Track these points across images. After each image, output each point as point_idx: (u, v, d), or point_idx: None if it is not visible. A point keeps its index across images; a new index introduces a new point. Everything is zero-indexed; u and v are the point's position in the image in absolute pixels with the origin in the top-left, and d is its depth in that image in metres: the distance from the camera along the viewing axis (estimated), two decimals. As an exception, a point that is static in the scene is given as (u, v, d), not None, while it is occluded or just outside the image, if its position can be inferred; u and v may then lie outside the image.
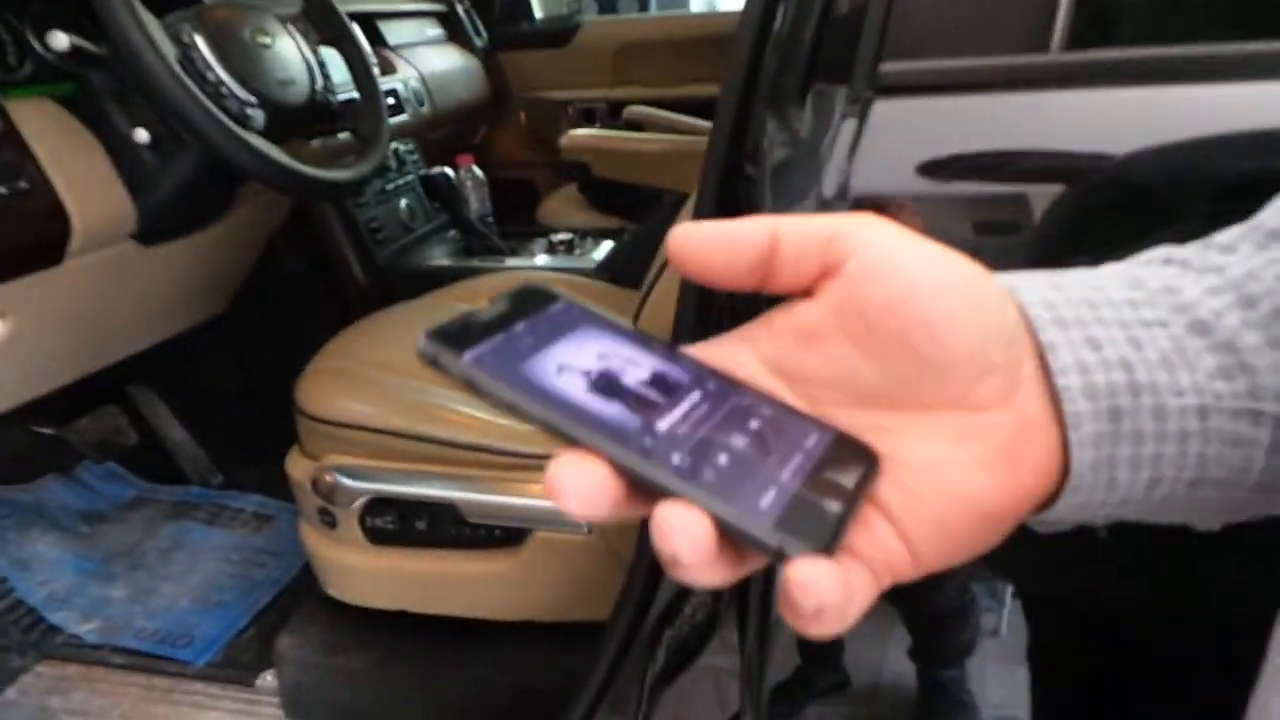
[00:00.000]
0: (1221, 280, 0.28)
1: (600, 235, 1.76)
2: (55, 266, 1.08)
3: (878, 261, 0.26)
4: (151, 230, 1.19)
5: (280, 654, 1.14)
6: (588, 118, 2.41)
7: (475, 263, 1.66)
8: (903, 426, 0.27)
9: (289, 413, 1.16)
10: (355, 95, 1.36)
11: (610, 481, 0.23)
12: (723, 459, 0.25)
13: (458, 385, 0.25)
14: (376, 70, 1.70)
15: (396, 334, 1.27)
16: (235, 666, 1.23)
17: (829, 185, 0.59)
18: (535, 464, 1.02)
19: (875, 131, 0.58)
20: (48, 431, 1.55)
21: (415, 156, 1.84)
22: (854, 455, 0.26)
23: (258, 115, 1.12)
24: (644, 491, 0.24)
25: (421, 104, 1.87)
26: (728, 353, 0.28)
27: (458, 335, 0.26)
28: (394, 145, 1.78)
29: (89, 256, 1.12)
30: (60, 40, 1.01)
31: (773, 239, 0.27)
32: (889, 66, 0.56)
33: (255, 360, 1.69)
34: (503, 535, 1.03)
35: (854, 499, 0.25)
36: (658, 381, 0.27)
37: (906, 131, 0.56)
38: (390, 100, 1.76)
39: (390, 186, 1.73)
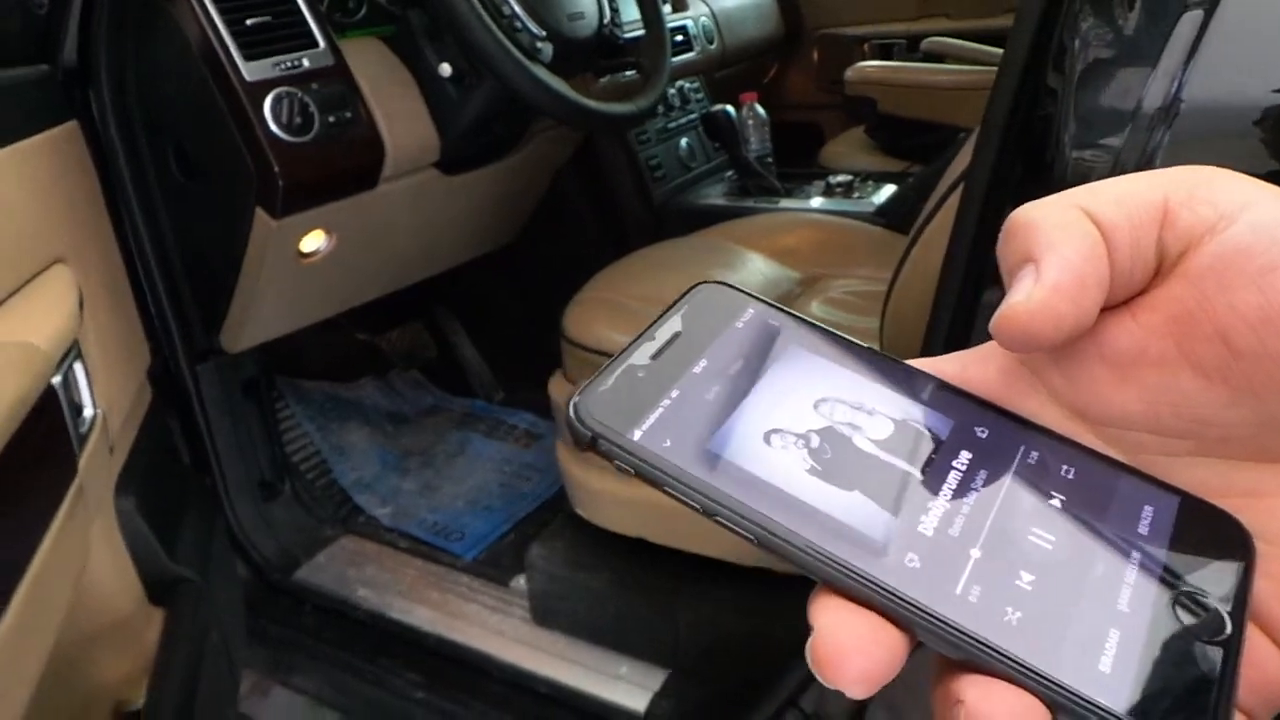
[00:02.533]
0: None
1: (883, 178, 1.65)
2: (371, 189, 1.20)
3: (1243, 251, 0.18)
4: (452, 160, 1.29)
5: (531, 562, 1.22)
6: (885, 54, 2.25)
7: (749, 203, 1.62)
8: (1268, 484, 0.19)
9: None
10: (642, 32, 1.37)
11: (894, 643, 0.17)
12: (1031, 580, 0.17)
13: (630, 474, 0.18)
14: (667, 10, 1.71)
15: (662, 268, 1.28)
16: (495, 565, 1.35)
17: (1152, 96, 0.48)
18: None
19: (1227, 26, 0.46)
20: (366, 339, 1.76)
21: (700, 95, 1.84)
22: (1216, 535, 0.17)
23: (547, 48, 1.16)
24: (932, 645, 0.17)
25: (711, 41, 1.85)
26: (998, 380, 0.21)
27: (620, 400, 0.19)
28: (680, 83, 1.79)
29: (399, 182, 1.24)
30: None
31: (1105, 255, 0.18)
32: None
33: (538, 288, 1.80)
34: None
35: (1234, 625, 0.16)
36: (907, 436, 0.19)
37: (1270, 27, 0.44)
38: (679, 38, 1.76)
39: (672, 125, 1.74)
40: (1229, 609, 0.16)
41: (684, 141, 1.76)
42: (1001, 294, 0.20)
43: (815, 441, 0.18)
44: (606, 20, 1.28)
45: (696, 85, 1.84)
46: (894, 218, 1.43)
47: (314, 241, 1.21)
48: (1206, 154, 0.47)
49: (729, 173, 1.79)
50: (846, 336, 0.21)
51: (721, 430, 0.18)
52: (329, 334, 1.70)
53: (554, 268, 1.77)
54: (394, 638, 1.26)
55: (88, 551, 0.73)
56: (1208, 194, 0.18)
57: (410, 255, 1.45)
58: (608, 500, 1.13)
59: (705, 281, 0.22)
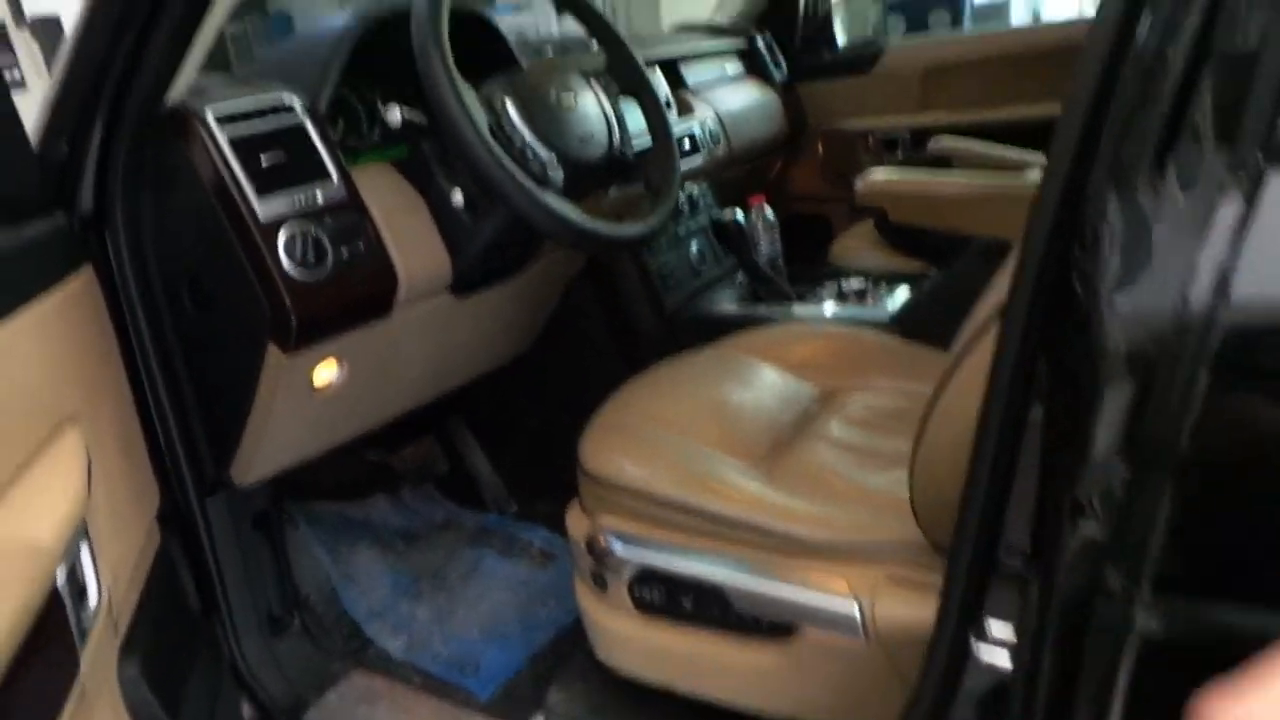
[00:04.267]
0: None
1: (896, 279, 1.64)
2: (384, 318, 1.19)
3: None
4: (464, 283, 1.29)
5: (549, 707, 1.17)
6: (889, 148, 2.27)
7: (762, 310, 1.61)
8: None
9: (576, 452, 1.19)
10: (650, 144, 1.38)
11: None
12: None
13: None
14: (673, 115, 1.73)
15: (677, 389, 1.26)
16: (510, 702, 1.29)
17: (1200, 285, 0.45)
18: (808, 549, 0.95)
19: (1272, 214, 0.44)
20: (378, 458, 1.74)
21: (708, 199, 1.84)
22: None
23: (557, 174, 1.16)
24: None
25: (717, 144, 1.87)
26: None
27: None
28: (688, 187, 1.80)
29: (411, 308, 1.22)
30: (394, 115, 1.12)
31: None
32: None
33: (551, 399, 1.78)
34: (771, 625, 0.96)
35: None
36: None
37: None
38: (686, 144, 1.77)
39: (682, 231, 1.74)
40: None
41: (694, 247, 1.75)
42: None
43: None
44: (616, 140, 1.29)
45: (703, 189, 1.84)
46: (910, 326, 1.41)
47: (326, 373, 1.19)
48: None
49: (739, 277, 1.78)
50: None
51: None
52: (340, 455, 1.67)
53: (567, 377, 1.76)
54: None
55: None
56: None
57: (423, 377, 1.43)
58: (629, 643, 1.08)
59: None
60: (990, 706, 0.63)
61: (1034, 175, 1.45)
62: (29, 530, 0.61)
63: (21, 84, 3.12)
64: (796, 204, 2.44)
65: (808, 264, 1.89)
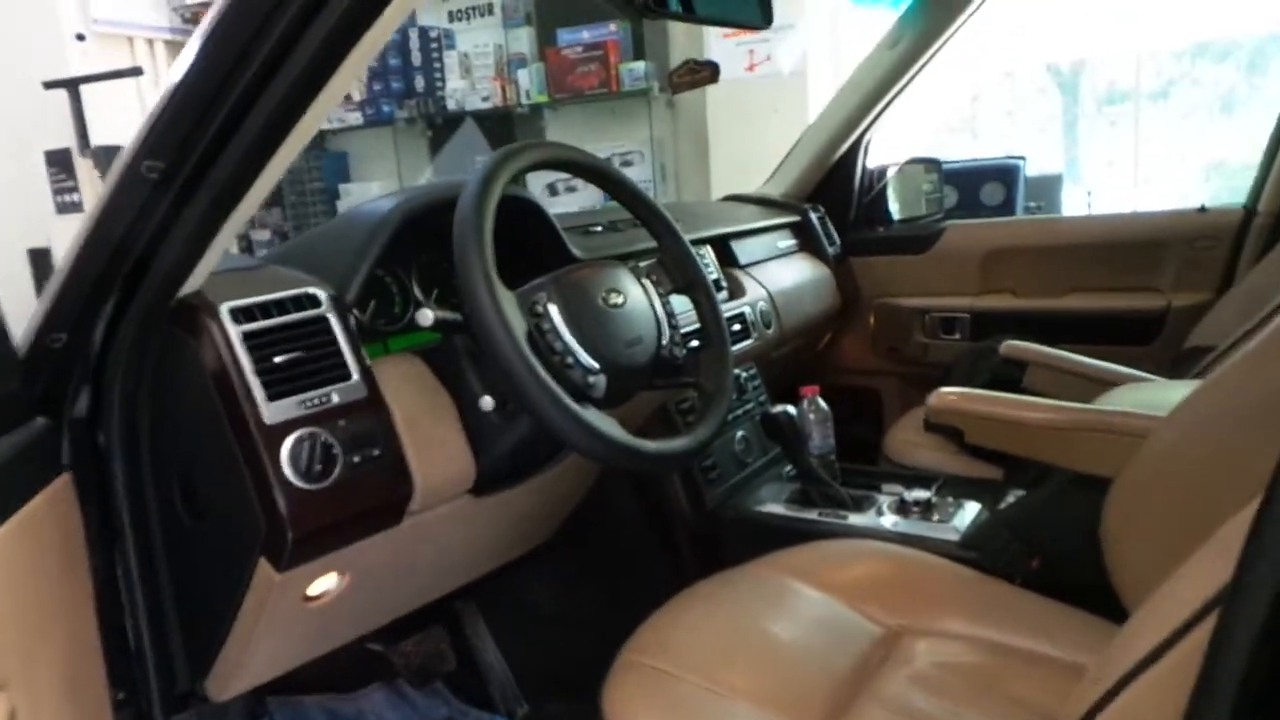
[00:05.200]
0: None
1: (965, 487, 1.49)
2: (394, 526, 1.07)
3: None
4: (486, 485, 1.17)
5: None
6: (947, 329, 2.18)
7: (813, 514, 1.46)
8: None
9: (603, 651, 1.05)
10: (699, 343, 1.27)
11: None
12: None
13: None
14: (723, 296, 1.64)
15: (716, 622, 1.11)
16: None
17: None
18: None
19: None
20: (377, 649, 1.58)
21: (757, 383, 1.73)
22: None
23: (600, 381, 1.06)
24: None
25: (769, 326, 1.77)
26: None
27: None
28: (736, 371, 1.69)
29: (426, 513, 1.10)
30: (426, 316, 1.02)
31: None
32: None
33: (578, 587, 1.63)
34: None
35: None
36: None
37: None
38: (736, 326, 1.68)
39: (729, 418, 1.62)
40: None
41: (740, 434, 1.63)
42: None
43: None
44: (665, 341, 1.19)
45: (753, 373, 1.74)
46: (984, 555, 1.26)
47: (324, 584, 1.06)
48: None
49: (787, 468, 1.65)
50: None
51: None
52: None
53: (596, 569, 1.61)
54: None
55: None
56: None
57: (436, 574, 1.30)
58: None
59: None
60: None
61: (1123, 396, 1.32)
62: None
63: (79, 206, 3.18)
64: (845, 376, 2.33)
65: (859, 449, 1.76)
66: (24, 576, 0.80)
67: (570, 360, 1.04)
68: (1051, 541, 1.20)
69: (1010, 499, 1.42)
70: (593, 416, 1.01)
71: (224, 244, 0.93)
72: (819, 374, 1.97)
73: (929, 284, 2.17)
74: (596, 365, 1.05)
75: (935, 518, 1.40)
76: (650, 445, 1.07)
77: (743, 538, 1.39)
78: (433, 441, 1.08)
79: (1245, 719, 0.44)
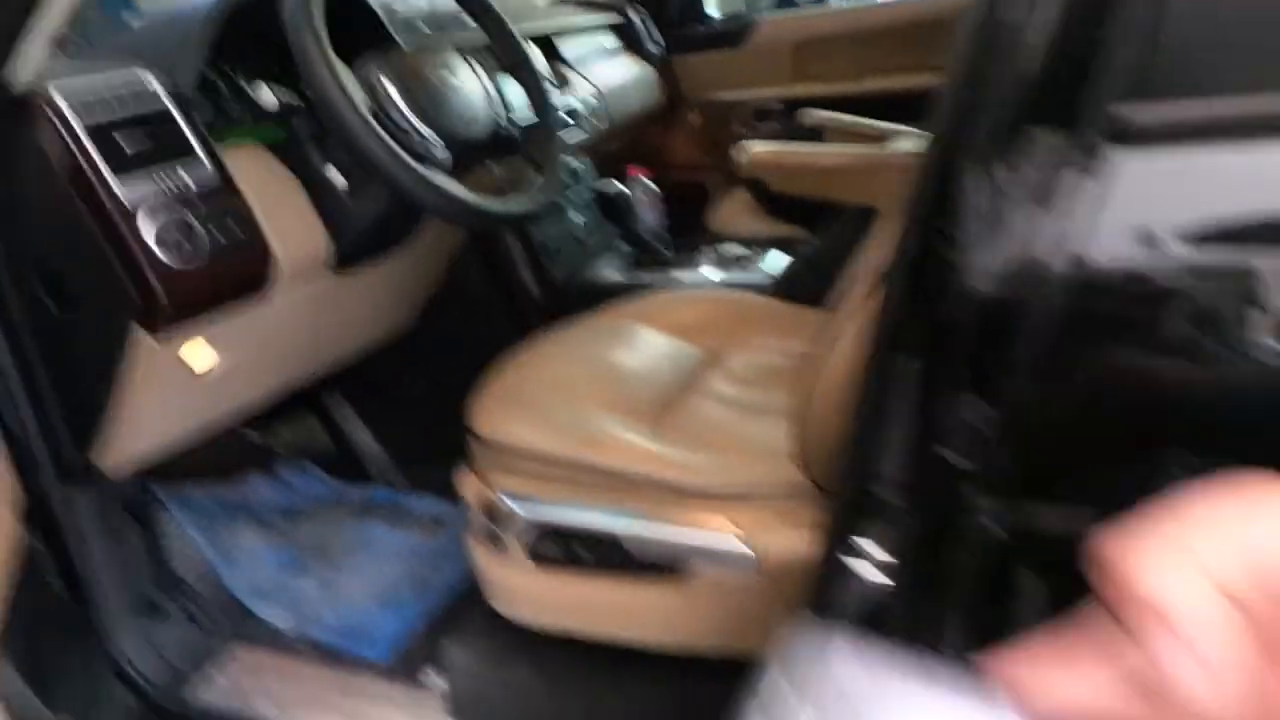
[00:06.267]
0: None
1: (773, 245, 1.71)
2: (261, 301, 1.15)
3: None
4: (344, 261, 1.26)
5: (448, 661, 1.18)
6: (762, 119, 2.35)
7: (645, 277, 1.65)
8: None
9: (462, 420, 1.20)
10: (533, 119, 1.38)
11: None
12: None
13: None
14: (555, 94, 1.73)
15: (565, 354, 1.28)
16: (409, 664, 1.29)
17: (1051, 254, 0.51)
18: (697, 495, 1.00)
19: (1112, 189, 0.50)
20: (253, 437, 1.68)
21: (589, 171, 1.86)
22: None
23: (442, 153, 1.15)
24: None
25: (597, 118, 1.88)
26: None
27: None
28: (570, 161, 1.81)
29: (290, 289, 1.19)
30: (266, 95, 1.07)
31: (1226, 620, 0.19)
32: (1134, 108, 0.48)
33: (438, 371, 1.76)
34: (665, 567, 1.01)
35: None
36: None
37: (1153, 189, 0.48)
38: (568, 119, 1.78)
39: (565, 204, 1.75)
40: None
41: (577, 218, 1.77)
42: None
43: None
44: (500, 116, 1.29)
45: (585, 163, 1.86)
46: (789, 288, 1.48)
47: (200, 358, 1.15)
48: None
49: (623, 246, 1.81)
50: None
51: None
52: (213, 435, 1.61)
53: (453, 349, 1.74)
54: (302, 757, 1.19)
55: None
56: None
57: (305, 356, 1.39)
58: (527, 595, 1.11)
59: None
60: (869, 621, 0.70)
61: (901, 145, 1.54)
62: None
63: None
64: (674, 173, 2.48)
65: (688, 232, 1.94)
66: None
67: (413, 133, 1.12)
68: (840, 269, 1.43)
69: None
70: (439, 178, 1.11)
71: (48, 31, 0.93)
72: (649, 171, 2.10)
73: (745, 77, 2.31)
74: (438, 138, 1.15)
75: (750, 267, 1.62)
76: (494, 203, 1.19)
77: (585, 304, 1.55)
78: (288, 221, 1.15)
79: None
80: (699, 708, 1.04)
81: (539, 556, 1.07)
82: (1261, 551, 0.19)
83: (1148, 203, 0.48)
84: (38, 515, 1.11)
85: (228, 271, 1.07)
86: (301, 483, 1.73)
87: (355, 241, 1.21)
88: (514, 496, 1.07)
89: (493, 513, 1.08)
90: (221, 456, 1.64)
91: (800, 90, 2.27)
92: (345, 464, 1.76)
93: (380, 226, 1.23)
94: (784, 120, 2.31)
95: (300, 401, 1.73)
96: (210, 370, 1.16)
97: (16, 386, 1.08)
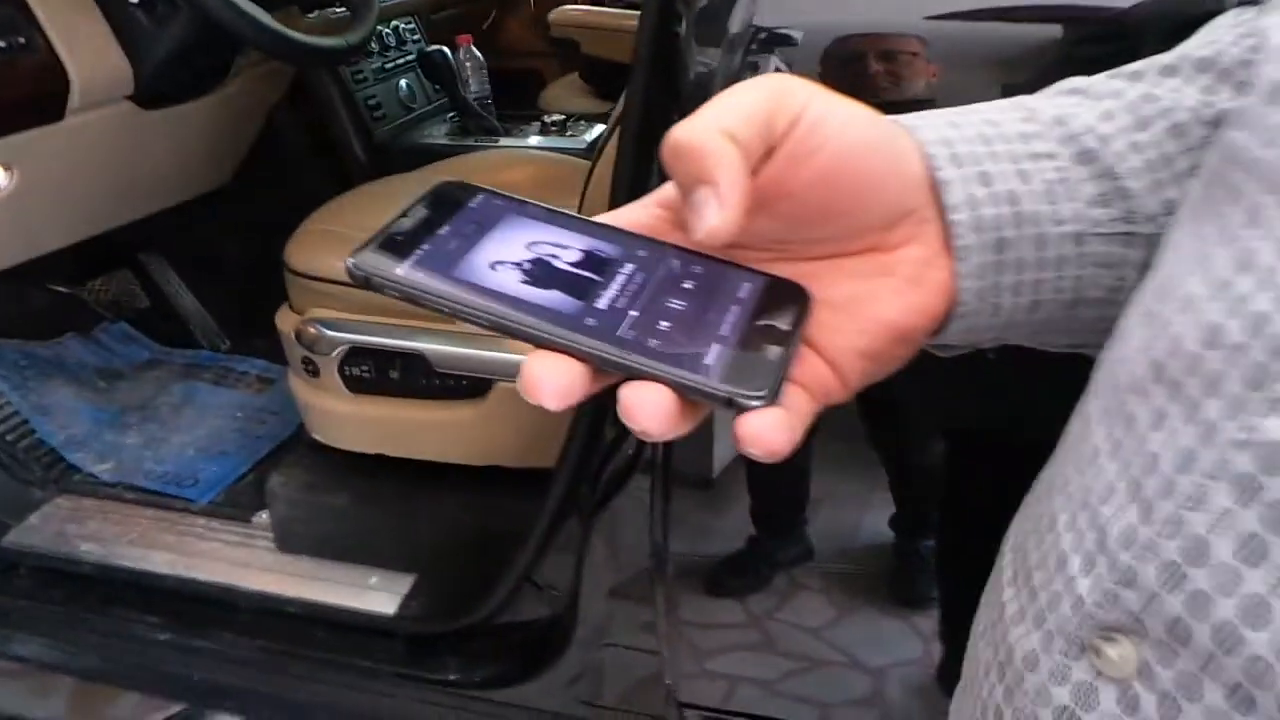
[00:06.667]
0: (1118, 104, 0.30)
1: (596, 119, 1.78)
2: (57, 122, 1.14)
3: (804, 142, 0.26)
4: (149, 93, 1.25)
5: (271, 492, 1.24)
6: (601, 2, 2.38)
7: (470, 141, 1.69)
8: (822, 272, 0.28)
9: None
10: (347, -34, 1.39)
11: (578, 373, 0.24)
12: (665, 325, 0.25)
13: (396, 299, 0.25)
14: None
15: (384, 200, 1.33)
16: (235, 505, 1.34)
17: (736, 24, 0.62)
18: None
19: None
20: (64, 290, 1.64)
21: (417, 36, 1.86)
22: (787, 296, 0.27)
23: (252, -19, 1.15)
24: (605, 370, 0.24)
25: (423, -20, 1.88)
26: (648, 219, 0.29)
27: (387, 250, 0.26)
28: (395, 23, 1.80)
29: (89, 114, 1.18)
30: None
31: (747, 167, 0.26)
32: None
33: (260, 232, 1.75)
34: (468, 386, 1.10)
35: (792, 340, 0.26)
36: (590, 259, 0.27)
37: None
38: (389, -26, 1.77)
39: (390, 65, 1.76)
40: (789, 328, 0.26)
41: (403, 82, 1.78)
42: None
43: (527, 265, 0.26)
44: (309, -45, 1.29)
45: (413, 26, 1.86)
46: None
47: (-8, 175, 1.13)
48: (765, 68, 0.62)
49: (450, 114, 1.84)
50: (549, 206, 0.29)
51: (461, 263, 0.26)
52: (21, 287, 1.57)
53: (274, 210, 1.73)
54: (127, 586, 1.23)
55: None
56: (789, 101, 0.27)
57: (109, 196, 1.37)
58: (342, 421, 1.18)
59: (445, 180, 0.30)
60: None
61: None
62: None
63: None
64: (511, 59, 2.49)
65: (516, 109, 1.98)
66: None
67: None
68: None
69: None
70: (245, 3, 1.12)
71: None
72: (484, 51, 2.11)
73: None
74: None
75: (570, 134, 1.69)
76: (301, 36, 1.20)
77: (408, 165, 1.58)
78: (83, 40, 1.13)
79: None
80: (501, 513, 1.16)
81: (351, 380, 1.14)
82: (766, 104, 0.27)
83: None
84: None
85: (16, 82, 1.05)
86: (119, 345, 1.71)
87: (157, 72, 1.20)
88: (327, 324, 1.13)
89: (307, 340, 1.14)
90: (34, 313, 1.59)
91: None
92: (168, 326, 1.74)
93: (185, 58, 1.22)
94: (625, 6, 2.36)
95: (118, 261, 1.70)
96: (2, 188, 1.14)
97: None
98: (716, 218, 0.25)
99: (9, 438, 1.41)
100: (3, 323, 1.53)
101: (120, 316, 1.71)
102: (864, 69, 0.61)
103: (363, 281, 0.25)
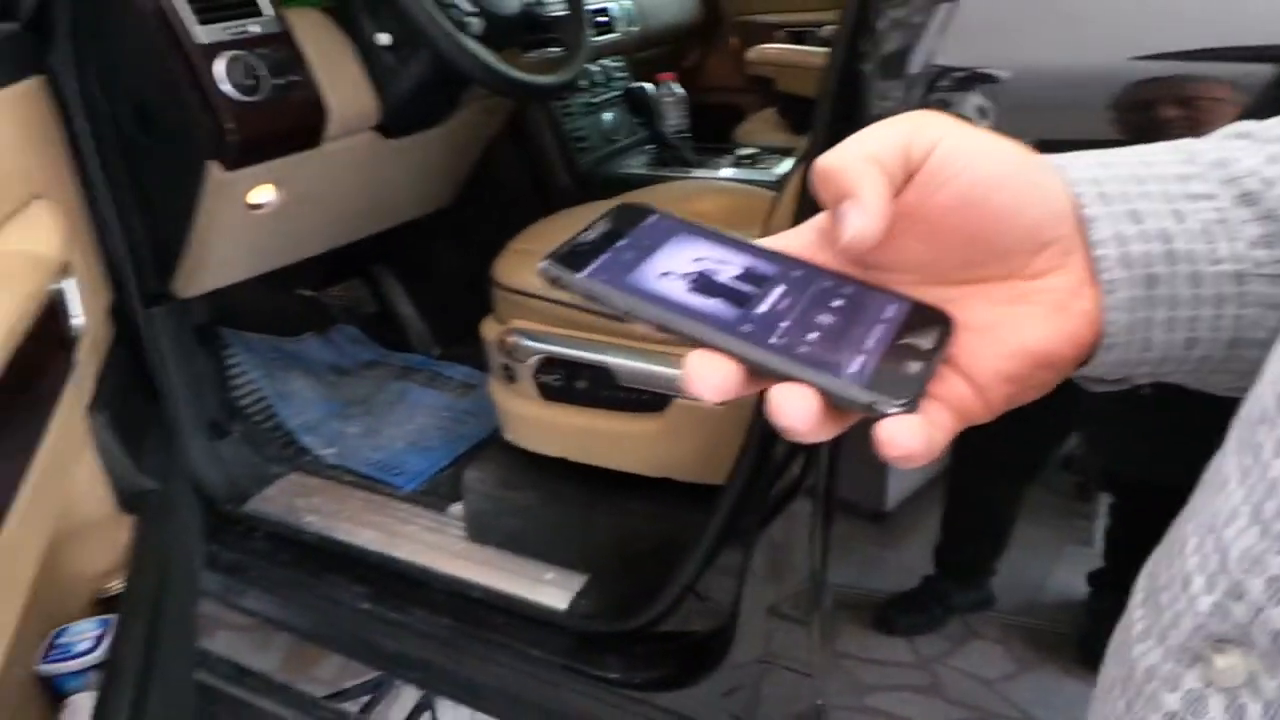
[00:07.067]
0: None
1: (788, 153, 1.82)
2: (314, 148, 1.32)
3: (941, 167, 0.29)
4: (390, 124, 1.42)
5: (466, 485, 1.36)
6: (798, 40, 2.42)
7: (665, 172, 1.78)
8: (967, 296, 0.30)
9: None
10: (565, 11, 1.51)
11: (733, 371, 0.27)
12: (814, 336, 0.28)
13: (578, 300, 0.30)
14: (589, 7, 1.85)
15: (581, 225, 1.42)
16: (434, 495, 1.48)
17: (917, 62, 0.65)
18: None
19: (967, 15, 0.63)
20: (308, 294, 1.87)
21: (624, 74, 1.98)
22: (930, 320, 0.29)
23: (476, 22, 1.29)
24: (758, 373, 0.27)
25: (632, 24, 2.00)
26: (805, 244, 0.32)
27: (572, 256, 0.30)
28: (604, 62, 1.93)
29: (340, 142, 1.35)
30: None
31: (888, 185, 0.28)
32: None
33: (473, 249, 1.92)
34: (649, 400, 1.17)
35: (933, 358, 0.28)
36: (749, 274, 0.30)
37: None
38: (602, 19, 1.90)
39: (596, 100, 1.89)
40: (931, 348, 0.28)
41: (607, 116, 1.90)
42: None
43: (691, 277, 0.30)
44: (533, 2, 1.42)
45: (620, 64, 1.98)
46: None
47: (263, 194, 1.32)
48: (956, 105, 0.64)
49: (650, 146, 1.94)
50: (715, 228, 0.33)
51: (634, 272, 0.30)
52: (274, 289, 1.80)
53: (486, 231, 1.90)
54: (340, 558, 1.39)
55: (84, 437, 0.85)
56: (925, 134, 0.30)
57: (352, 213, 1.56)
58: (533, 424, 1.28)
59: (625, 201, 0.35)
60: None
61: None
62: (29, 245, 0.75)
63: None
64: (711, 94, 2.58)
65: (713, 142, 2.06)
66: (35, 132, 1.03)
67: (454, 4, 1.27)
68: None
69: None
70: (472, 44, 1.25)
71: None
72: (685, 87, 2.20)
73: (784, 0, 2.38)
74: (474, 8, 1.29)
75: (761, 166, 1.74)
76: (522, 74, 1.33)
77: (607, 193, 1.69)
78: (340, 78, 1.31)
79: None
80: (671, 524, 1.21)
81: (543, 388, 1.24)
82: (904, 136, 0.30)
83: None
84: (123, 328, 1.30)
85: (287, 113, 1.23)
86: (349, 345, 1.92)
87: (399, 105, 1.36)
88: (525, 334, 1.23)
89: (507, 348, 1.24)
90: (283, 312, 1.83)
91: (836, 15, 2.33)
92: (389, 330, 1.94)
93: (422, 94, 1.38)
94: (819, 41, 2.38)
95: (352, 270, 1.92)
96: (266, 205, 1.33)
97: (110, 212, 1.26)
98: (859, 222, 0.28)
99: (257, 419, 1.63)
100: (259, 319, 1.77)
101: (351, 320, 1.93)
102: (1156, 115, 0.60)
103: (552, 282, 0.30)
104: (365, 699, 1.50)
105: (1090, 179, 0.30)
